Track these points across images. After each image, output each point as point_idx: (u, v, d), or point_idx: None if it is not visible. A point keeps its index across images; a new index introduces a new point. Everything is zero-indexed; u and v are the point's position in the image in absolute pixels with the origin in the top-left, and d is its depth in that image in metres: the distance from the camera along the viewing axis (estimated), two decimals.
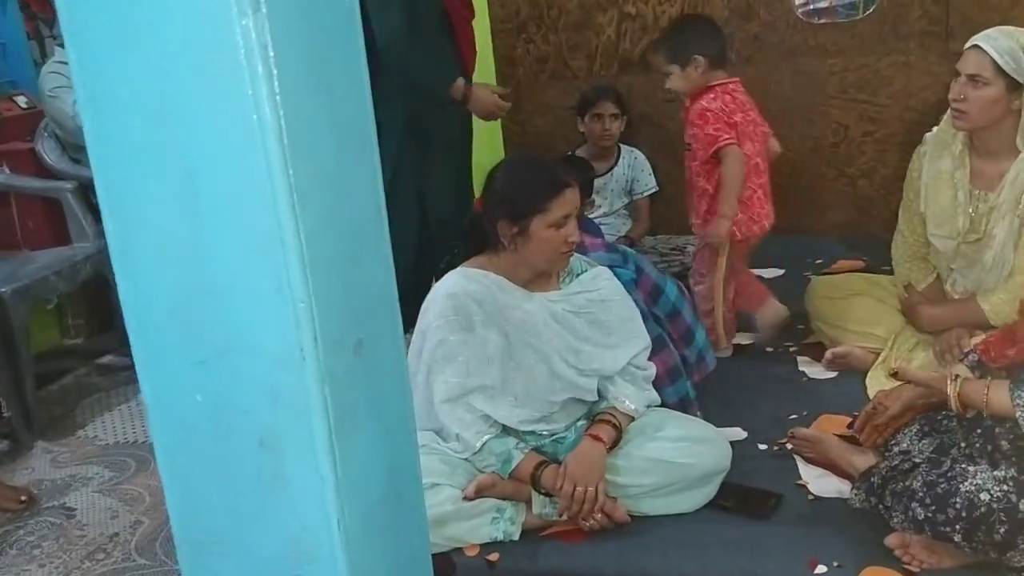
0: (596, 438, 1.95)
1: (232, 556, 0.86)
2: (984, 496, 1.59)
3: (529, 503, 1.95)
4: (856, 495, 1.86)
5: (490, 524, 1.92)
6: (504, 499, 1.95)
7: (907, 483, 1.71)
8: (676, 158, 3.01)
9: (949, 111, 2.26)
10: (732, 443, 2.13)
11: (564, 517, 1.92)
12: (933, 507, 1.64)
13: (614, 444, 1.98)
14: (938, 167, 2.32)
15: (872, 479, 1.82)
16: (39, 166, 3.23)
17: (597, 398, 2.06)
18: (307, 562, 0.82)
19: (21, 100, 3.46)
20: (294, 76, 0.73)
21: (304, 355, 0.76)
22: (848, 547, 1.79)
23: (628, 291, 2.16)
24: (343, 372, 0.80)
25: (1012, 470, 1.62)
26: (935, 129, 2.37)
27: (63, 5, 0.73)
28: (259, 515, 0.82)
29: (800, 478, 2.05)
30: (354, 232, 0.82)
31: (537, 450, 1.99)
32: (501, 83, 3.65)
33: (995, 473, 1.62)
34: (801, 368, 2.62)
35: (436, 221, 2.93)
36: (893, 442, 1.95)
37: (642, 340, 2.11)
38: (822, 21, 3.47)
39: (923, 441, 1.89)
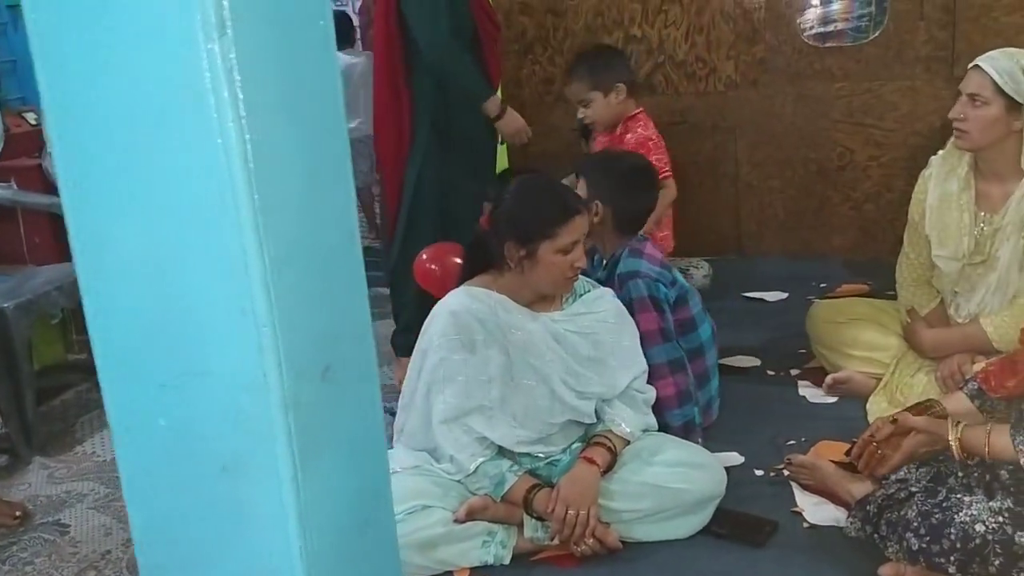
0: (590, 461, 1.94)
1: None
2: (979, 527, 1.56)
3: (521, 527, 1.94)
4: (852, 523, 1.84)
5: (481, 548, 1.90)
6: (496, 522, 1.93)
7: (902, 512, 1.69)
8: (679, 179, 3.00)
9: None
10: (729, 468, 2.12)
11: (556, 541, 1.91)
12: (928, 537, 1.62)
13: (609, 467, 1.96)
14: (945, 188, 2.31)
15: (868, 507, 1.80)
16: (46, 182, 3.26)
17: (595, 420, 2.05)
18: None
19: (30, 117, 3.50)
20: (262, 100, 0.73)
21: (268, 380, 0.75)
22: None
23: (645, 308, 2.18)
24: (309, 398, 0.79)
25: (1008, 501, 1.59)
26: (940, 152, 2.37)
27: (33, 30, 0.74)
28: (221, 542, 0.81)
29: (796, 505, 2.03)
30: (324, 257, 0.82)
31: (532, 473, 1.98)
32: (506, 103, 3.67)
33: (991, 504, 1.59)
34: (801, 392, 2.61)
35: (453, 221, 2.95)
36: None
37: (640, 364, 2.11)
38: (828, 45, 3.47)
39: (920, 469, 1.86)
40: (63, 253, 3.20)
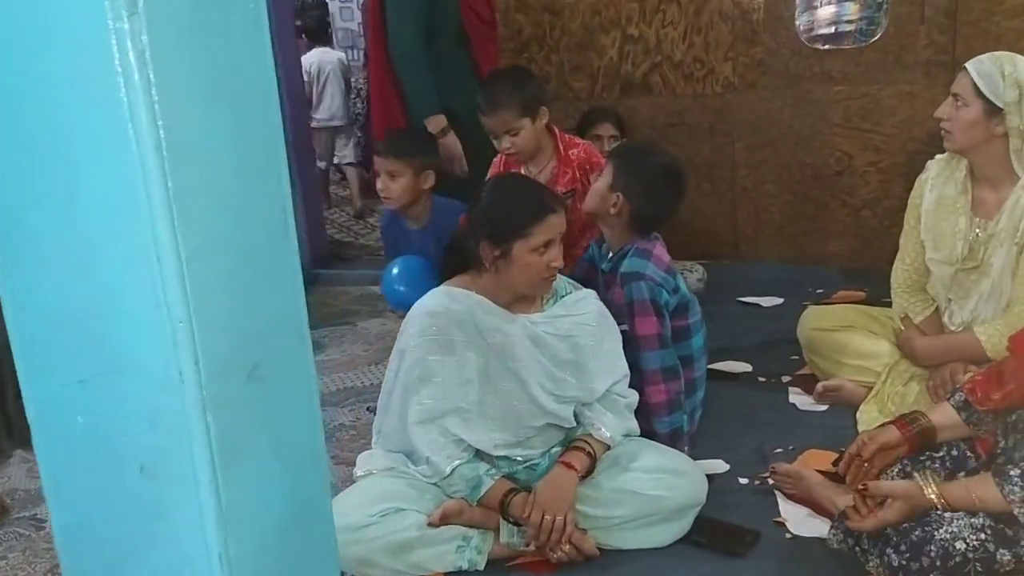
0: (568, 466, 1.90)
1: None
2: (960, 545, 1.52)
3: (497, 532, 1.90)
4: (834, 535, 1.80)
5: (455, 552, 1.87)
6: (471, 527, 1.90)
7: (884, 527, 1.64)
8: None
9: None
10: (713, 476, 2.08)
11: (532, 547, 1.87)
12: (908, 554, 1.57)
13: (588, 472, 1.92)
14: (942, 192, 2.29)
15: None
16: None
17: (575, 424, 2.01)
18: None
19: None
20: (179, 84, 0.69)
21: (183, 378, 0.71)
22: None
23: (645, 312, 2.14)
24: (233, 397, 0.76)
25: (989, 518, 1.54)
26: (939, 156, 2.34)
27: None
28: (141, 544, 0.78)
29: (780, 515, 1.99)
30: (254, 250, 0.78)
31: (509, 477, 1.94)
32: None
33: (972, 520, 1.54)
34: (791, 399, 2.56)
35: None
36: None
37: (621, 369, 2.07)
38: (827, 48, 3.42)
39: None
40: None
